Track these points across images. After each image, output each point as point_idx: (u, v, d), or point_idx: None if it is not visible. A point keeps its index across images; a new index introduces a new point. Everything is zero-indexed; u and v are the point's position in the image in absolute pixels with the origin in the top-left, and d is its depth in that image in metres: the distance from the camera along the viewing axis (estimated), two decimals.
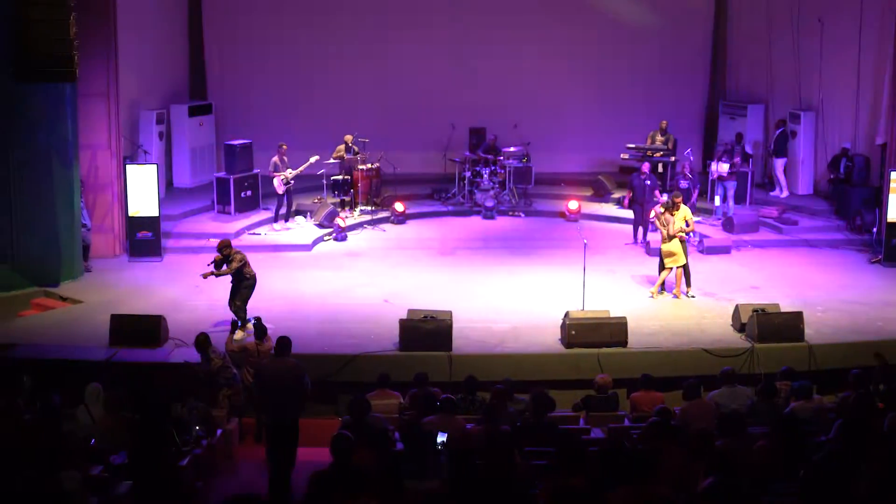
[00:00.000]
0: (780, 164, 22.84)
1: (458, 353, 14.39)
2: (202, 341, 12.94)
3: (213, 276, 14.86)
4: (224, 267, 14.83)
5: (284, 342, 11.48)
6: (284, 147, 20.75)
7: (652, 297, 16.84)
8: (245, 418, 13.28)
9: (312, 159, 20.79)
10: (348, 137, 22.00)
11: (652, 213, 17.22)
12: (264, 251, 19.34)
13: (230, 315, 14.86)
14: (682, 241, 16.67)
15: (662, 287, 16.94)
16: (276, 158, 20.54)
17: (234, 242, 19.15)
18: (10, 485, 7.69)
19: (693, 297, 16.84)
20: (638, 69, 24.87)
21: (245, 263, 14.91)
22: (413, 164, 23.64)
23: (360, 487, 7.40)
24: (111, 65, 18.13)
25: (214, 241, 18.39)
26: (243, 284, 14.93)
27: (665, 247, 16.71)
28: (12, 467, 8.07)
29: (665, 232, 16.63)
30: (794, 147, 22.83)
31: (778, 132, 22.76)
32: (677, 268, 16.73)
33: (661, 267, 16.91)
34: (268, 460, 11.29)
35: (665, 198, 20.40)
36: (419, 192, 23.50)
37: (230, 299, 14.98)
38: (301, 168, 20.61)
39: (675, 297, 16.80)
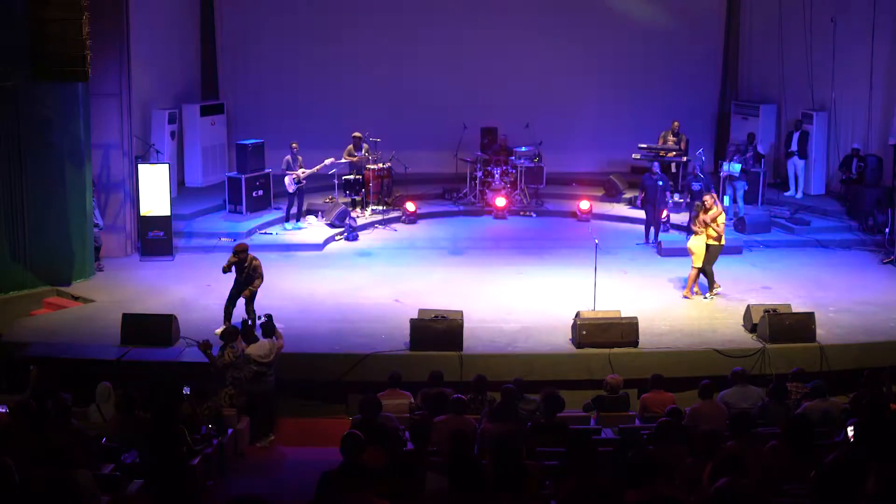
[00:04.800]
0: (801, 164, 22.78)
1: (468, 352, 14.39)
2: (231, 333, 13.08)
3: (250, 292, 15.02)
4: (255, 280, 14.93)
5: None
6: (296, 146, 20.79)
7: (704, 297, 16.78)
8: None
9: (327, 161, 20.82)
10: (357, 134, 22.01)
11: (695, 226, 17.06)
12: (276, 251, 19.37)
13: (238, 314, 15.00)
14: (714, 245, 16.62)
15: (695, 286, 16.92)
16: (288, 157, 20.58)
17: (245, 242, 19.33)
18: (23, 483, 7.71)
19: (694, 296, 16.79)
20: (650, 69, 24.83)
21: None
22: (424, 164, 23.63)
23: (370, 486, 7.40)
24: (123, 64, 18.15)
25: (226, 241, 18.55)
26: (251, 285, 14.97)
27: (689, 245, 16.73)
28: (25, 465, 8.09)
29: (704, 230, 16.55)
30: (807, 146, 22.79)
31: (798, 133, 22.67)
32: (695, 268, 16.67)
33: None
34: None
35: (676, 197, 20.43)
36: (430, 191, 23.51)
37: (229, 299, 15.04)
38: (315, 169, 20.64)
39: (687, 297, 16.77)
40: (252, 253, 15.28)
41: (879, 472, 6.75)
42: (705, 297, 16.78)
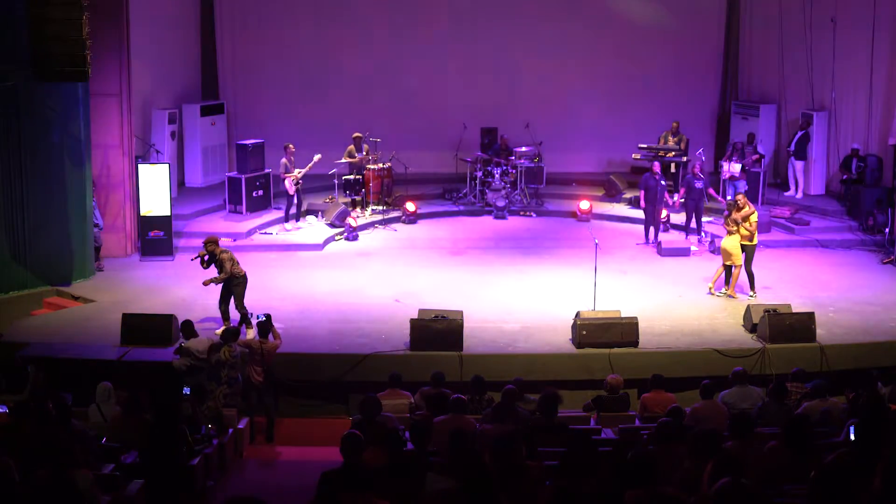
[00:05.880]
0: (799, 166, 22.78)
1: (468, 352, 14.40)
2: (233, 333, 13.13)
3: (213, 283, 15.00)
4: (219, 273, 14.91)
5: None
6: (292, 147, 20.74)
7: (732, 297, 16.73)
8: (258, 417, 13.33)
9: (316, 158, 20.74)
10: (357, 135, 22.01)
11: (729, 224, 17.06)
12: (276, 251, 19.40)
13: (233, 315, 15.06)
14: (747, 245, 16.63)
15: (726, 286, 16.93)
16: (284, 160, 20.53)
17: (245, 242, 19.40)
18: (23, 483, 7.72)
19: (731, 296, 16.77)
20: (650, 69, 24.82)
21: (234, 263, 14.96)
22: (424, 164, 23.63)
23: (369, 487, 7.40)
24: (124, 64, 18.16)
25: (227, 241, 18.52)
26: (233, 283, 14.96)
27: (722, 244, 16.79)
28: (25, 465, 8.10)
29: (733, 229, 16.57)
30: (807, 147, 22.78)
31: (800, 134, 22.66)
32: (735, 267, 16.66)
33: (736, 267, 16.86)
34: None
35: (676, 197, 20.42)
36: (430, 191, 23.50)
37: (221, 299, 15.06)
38: (307, 167, 20.58)
39: (732, 296, 16.75)
40: (250, 253, 15.27)
41: (885, 470, 6.74)
42: (718, 294, 16.80)
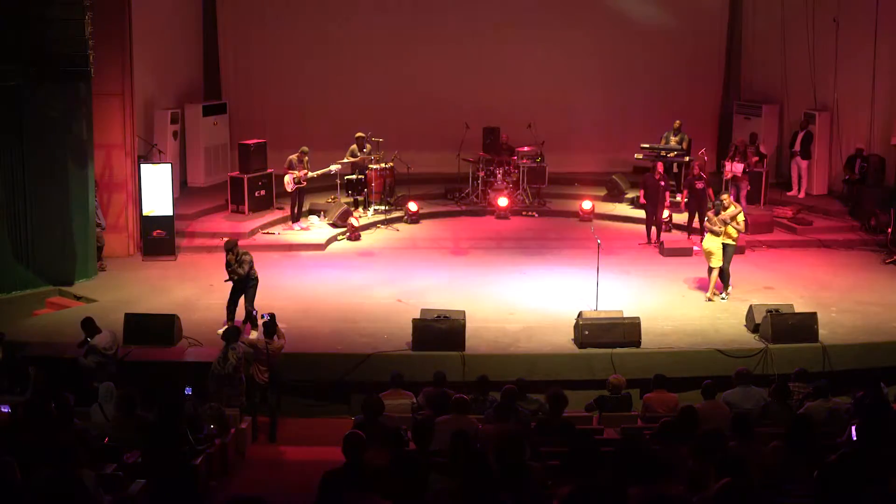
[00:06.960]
0: (805, 165, 22.75)
1: (471, 352, 14.40)
2: (234, 332, 13.16)
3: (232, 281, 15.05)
4: (239, 269, 14.85)
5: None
6: (306, 149, 20.68)
7: (710, 300, 16.69)
8: (260, 417, 13.32)
9: (332, 167, 20.80)
10: (359, 134, 22.00)
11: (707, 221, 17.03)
12: (278, 250, 19.40)
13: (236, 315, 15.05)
14: (728, 244, 16.58)
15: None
16: (294, 156, 20.48)
17: (248, 242, 19.38)
18: (26, 482, 7.72)
19: (723, 298, 16.71)
20: (653, 69, 24.82)
21: (252, 266, 14.96)
22: (427, 164, 23.62)
23: (371, 487, 7.40)
24: (126, 64, 18.18)
25: None
26: (249, 284, 14.97)
27: (705, 245, 16.71)
28: (27, 465, 8.10)
29: (720, 230, 16.52)
30: (811, 146, 22.78)
31: (803, 133, 22.64)
32: (716, 269, 16.61)
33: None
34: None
35: (678, 197, 20.40)
36: (433, 191, 23.50)
37: (230, 299, 15.04)
38: (317, 173, 20.58)
39: (710, 300, 16.71)
40: (253, 252, 15.27)
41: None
42: (722, 298, 16.74)
